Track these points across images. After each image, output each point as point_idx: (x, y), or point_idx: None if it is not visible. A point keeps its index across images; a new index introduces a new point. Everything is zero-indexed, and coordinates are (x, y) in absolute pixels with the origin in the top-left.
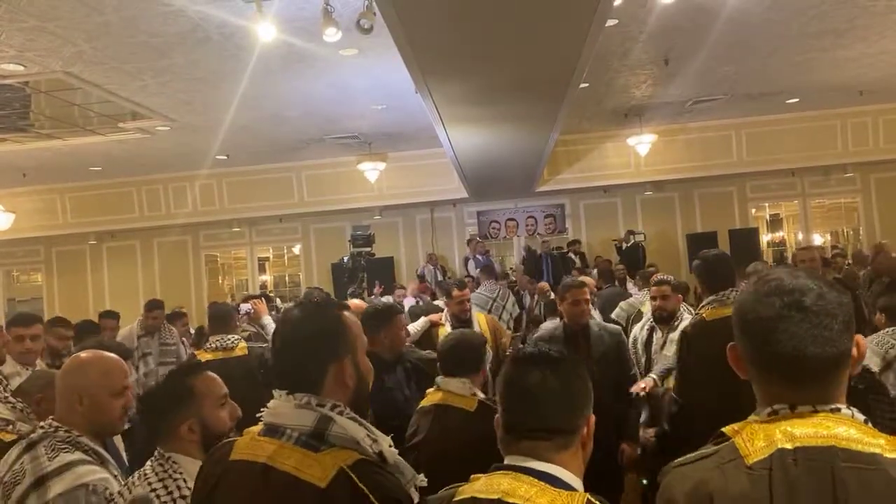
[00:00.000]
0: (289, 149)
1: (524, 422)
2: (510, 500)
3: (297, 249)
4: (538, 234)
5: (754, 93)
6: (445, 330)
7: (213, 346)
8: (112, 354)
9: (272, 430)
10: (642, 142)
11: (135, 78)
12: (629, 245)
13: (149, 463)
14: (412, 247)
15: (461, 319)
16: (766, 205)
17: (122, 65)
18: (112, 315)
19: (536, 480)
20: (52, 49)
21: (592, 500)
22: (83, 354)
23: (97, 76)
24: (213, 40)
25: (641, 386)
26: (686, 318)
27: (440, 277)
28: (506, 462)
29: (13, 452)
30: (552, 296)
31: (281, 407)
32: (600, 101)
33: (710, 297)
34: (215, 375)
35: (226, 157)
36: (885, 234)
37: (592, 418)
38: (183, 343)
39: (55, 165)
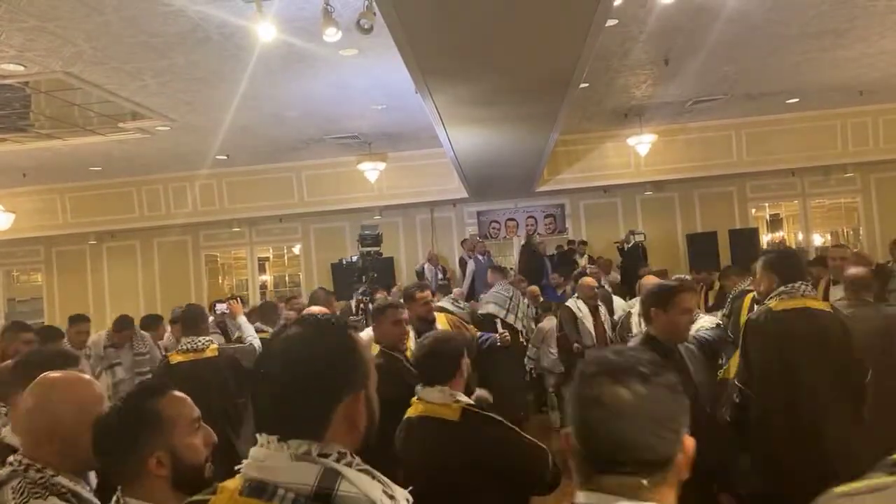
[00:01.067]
0: (289, 149)
1: (609, 453)
2: None
3: (297, 249)
4: (538, 233)
5: (754, 93)
6: (408, 333)
7: (185, 347)
8: (86, 376)
9: (259, 490)
10: (642, 142)
11: (135, 78)
12: (630, 245)
13: None
14: (412, 247)
15: (428, 321)
16: (766, 205)
17: (122, 65)
18: (84, 319)
19: None
20: (52, 49)
21: None
22: (51, 376)
23: (97, 76)
24: (213, 40)
25: None
26: (702, 317)
27: (440, 277)
28: (583, 500)
29: None
30: (542, 299)
31: (271, 459)
32: (600, 101)
33: (780, 289)
34: (184, 395)
35: (226, 157)
36: (885, 234)
37: (691, 442)
38: (158, 347)
39: (55, 165)
